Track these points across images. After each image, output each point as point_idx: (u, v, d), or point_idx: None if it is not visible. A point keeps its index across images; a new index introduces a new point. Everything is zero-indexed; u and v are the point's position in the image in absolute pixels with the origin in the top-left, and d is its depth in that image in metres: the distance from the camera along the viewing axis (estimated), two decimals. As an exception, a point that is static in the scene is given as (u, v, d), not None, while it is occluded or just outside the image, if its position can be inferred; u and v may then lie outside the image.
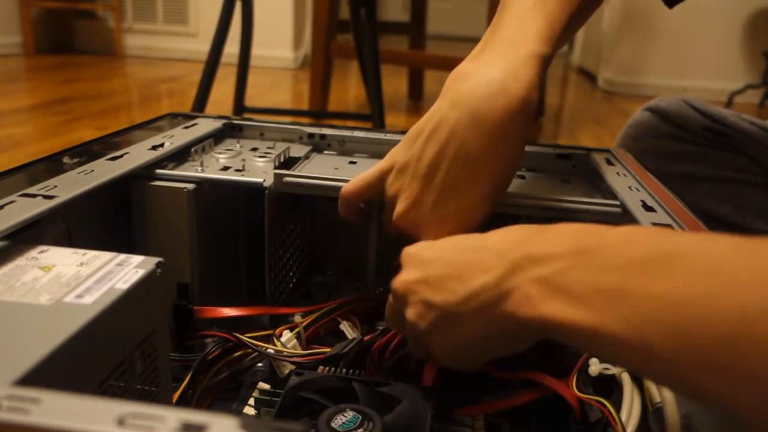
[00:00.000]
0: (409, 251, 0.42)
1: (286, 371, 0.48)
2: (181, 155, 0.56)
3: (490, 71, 0.43)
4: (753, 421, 0.23)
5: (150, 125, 0.65)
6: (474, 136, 0.43)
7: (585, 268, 0.28)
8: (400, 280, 0.40)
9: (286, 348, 0.49)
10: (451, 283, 0.36)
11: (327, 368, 0.47)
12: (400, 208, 0.46)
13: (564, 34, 0.47)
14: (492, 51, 0.45)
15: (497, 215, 0.56)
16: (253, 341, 0.48)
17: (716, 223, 0.66)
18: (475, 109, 0.42)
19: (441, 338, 0.38)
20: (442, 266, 0.37)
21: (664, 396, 0.36)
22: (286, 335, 0.49)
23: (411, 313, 0.39)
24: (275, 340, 0.49)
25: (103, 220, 0.49)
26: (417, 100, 2.63)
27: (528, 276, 0.31)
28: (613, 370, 0.41)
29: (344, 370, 0.47)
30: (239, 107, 1.59)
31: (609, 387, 0.42)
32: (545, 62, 0.44)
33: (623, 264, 0.27)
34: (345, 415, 0.39)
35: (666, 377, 0.26)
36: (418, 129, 0.46)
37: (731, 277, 0.23)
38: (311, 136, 0.65)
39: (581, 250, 0.29)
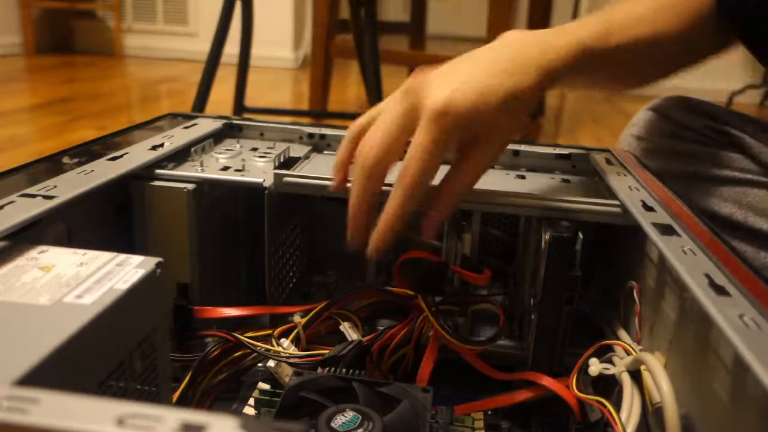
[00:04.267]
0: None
1: (288, 380, 0.48)
2: (181, 155, 0.56)
3: (533, 34, 0.50)
4: None
5: (150, 125, 0.65)
6: (503, 47, 0.48)
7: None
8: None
9: (285, 350, 0.49)
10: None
11: (326, 368, 0.47)
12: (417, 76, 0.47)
13: (621, 52, 0.52)
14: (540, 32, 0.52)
15: (498, 214, 0.56)
16: (253, 342, 0.48)
17: (719, 222, 0.66)
18: (514, 39, 0.49)
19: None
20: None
21: (664, 396, 0.36)
22: (286, 343, 0.49)
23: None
24: (273, 342, 0.49)
25: (103, 220, 0.49)
26: (417, 100, 2.62)
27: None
28: (613, 370, 0.41)
29: (344, 370, 0.47)
30: (239, 107, 1.59)
31: (609, 387, 0.42)
32: (586, 52, 0.49)
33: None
34: (345, 415, 0.39)
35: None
36: None
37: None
38: (311, 136, 0.65)
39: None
